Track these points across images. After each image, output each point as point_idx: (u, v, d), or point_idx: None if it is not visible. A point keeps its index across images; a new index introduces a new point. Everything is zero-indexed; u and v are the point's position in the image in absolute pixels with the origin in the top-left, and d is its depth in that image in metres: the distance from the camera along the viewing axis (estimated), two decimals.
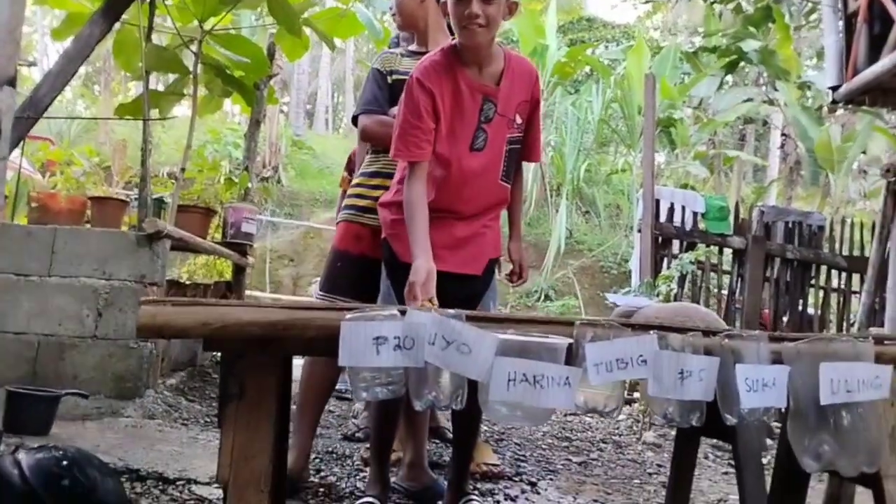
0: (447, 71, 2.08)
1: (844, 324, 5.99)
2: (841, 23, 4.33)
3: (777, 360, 0.97)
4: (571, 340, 0.90)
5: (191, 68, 4.49)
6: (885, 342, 1.02)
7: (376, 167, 2.54)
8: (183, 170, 4.34)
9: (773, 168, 18.10)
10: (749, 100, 15.50)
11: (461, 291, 2.17)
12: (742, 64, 14.95)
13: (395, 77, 2.48)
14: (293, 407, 2.59)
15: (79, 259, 3.61)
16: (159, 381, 3.90)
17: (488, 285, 2.38)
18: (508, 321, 0.95)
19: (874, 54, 4.04)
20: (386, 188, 2.31)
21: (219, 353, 3.11)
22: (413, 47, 2.59)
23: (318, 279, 2.67)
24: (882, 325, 2.74)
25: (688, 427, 1.04)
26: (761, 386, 0.92)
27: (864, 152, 15.68)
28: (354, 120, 2.56)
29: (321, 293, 2.51)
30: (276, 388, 1.13)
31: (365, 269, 2.40)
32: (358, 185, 2.59)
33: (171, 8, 4.54)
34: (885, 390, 0.95)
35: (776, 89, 16.11)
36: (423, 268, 1.92)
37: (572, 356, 0.91)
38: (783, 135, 17.92)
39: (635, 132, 13.19)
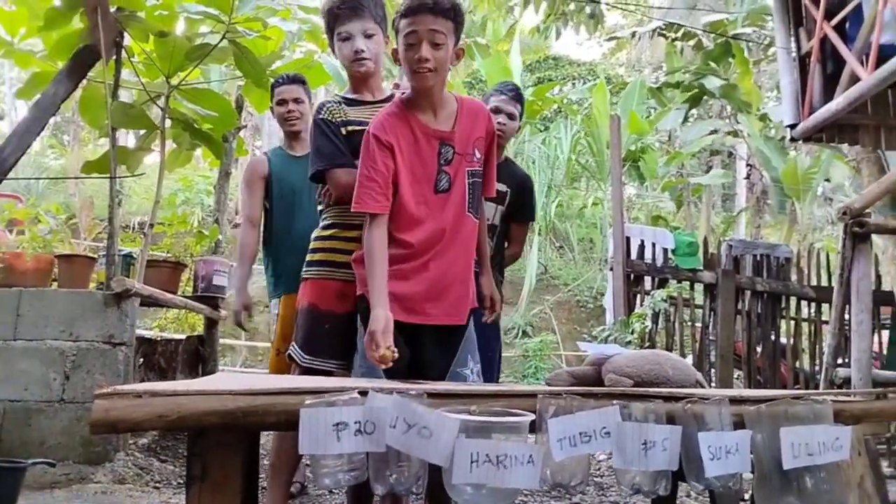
0: (402, 122, 2.15)
1: (817, 353, 6.05)
2: (795, 63, 4.46)
3: (739, 422, 0.98)
4: (533, 417, 0.89)
5: (158, 123, 4.50)
6: (845, 399, 1.03)
7: (331, 220, 2.45)
8: (151, 225, 4.31)
9: (740, 197, 18.42)
10: (714, 131, 15.84)
11: (447, 343, 2.21)
12: (705, 97, 15.30)
13: (350, 128, 2.37)
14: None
15: (45, 321, 3.55)
16: (130, 443, 3.82)
17: (462, 336, 2.36)
18: (470, 396, 0.94)
19: (828, 93, 4.16)
20: (341, 238, 2.36)
21: None
22: (351, 95, 2.47)
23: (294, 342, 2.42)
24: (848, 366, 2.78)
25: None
26: (724, 453, 0.93)
27: (827, 180, 16.04)
28: (316, 176, 2.38)
29: (307, 357, 2.34)
30: (242, 467, 1.11)
31: (351, 329, 2.30)
32: (323, 238, 2.46)
33: (137, 64, 4.55)
34: (846, 452, 0.96)
35: (738, 122, 16.51)
36: (382, 316, 1.97)
37: (536, 429, 0.91)
38: (748, 165, 18.30)
39: (604, 167, 13.37)
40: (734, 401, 1.00)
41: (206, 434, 1.08)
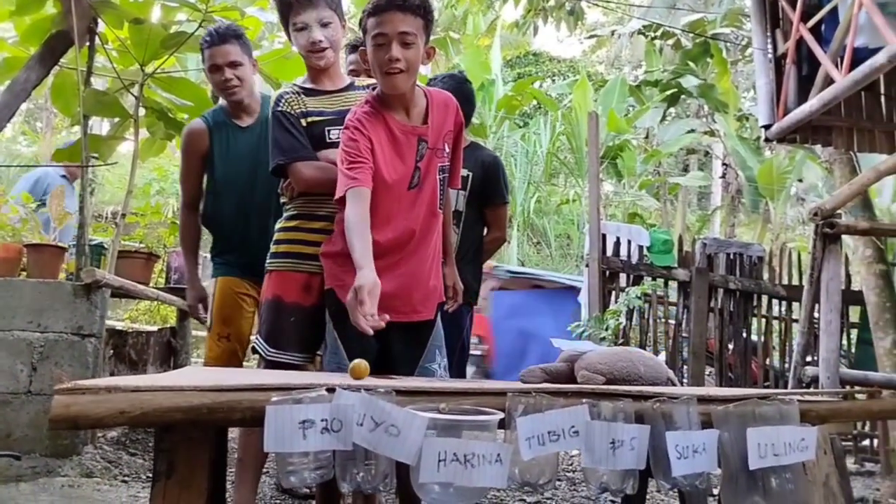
0: (379, 120, 2.12)
1: (787, 350, 6.14)
2: (771, 64, 4.49)
3: (707, 422, 0.99)
4: (503, 415, 0.89)
5: (132, 112, 4.43)
6: (811, 399, 1.04)
7: (295, 211, 2.39)
8: (123, 215, 4.25)
9: (716, 196, 18.61)
10: (691, 131, 15.98)
11: (416, 339, 2.21)
12: (683, 96, 15.42)
13: (310, 119, 2.30)
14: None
15: (12, 311, 3.49)
16: (99, 436, 3.77)
17: (431, 331, 2.34)
18: (440, 393, 0.94)
19: (803, 94, 4.20)
20: (306, 230, 2.32)
21: None
22: (309, 84, 2.37)
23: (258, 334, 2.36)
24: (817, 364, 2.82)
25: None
26: (692, 452, 0.93)
27: (800, 180, 16.25)
28: (277, 170, 2.31)
29: (272, 351, 2.28)
30: (208, 462, 1.09)
31: (316, 322, 2.28)
32: (287, 230, 2.37)
33: (111, 51, 4.48)
34: (811, 452, 0.97)
35: (715, 121, 16.67)
36: (370, 276, 1.86)
37: (505, 426, 0.91)
38: (724, 164, 18.50)
39: (583, 164, 13.42)
40: (702, 400, 1.00)
41: (172, 429, 1.06)
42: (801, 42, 4.22)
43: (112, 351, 4.06)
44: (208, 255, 3.33)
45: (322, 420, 0.84)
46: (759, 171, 15.40)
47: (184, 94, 4.51)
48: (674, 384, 2.14)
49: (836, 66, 3.85)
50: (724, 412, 0.98)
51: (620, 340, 4.72)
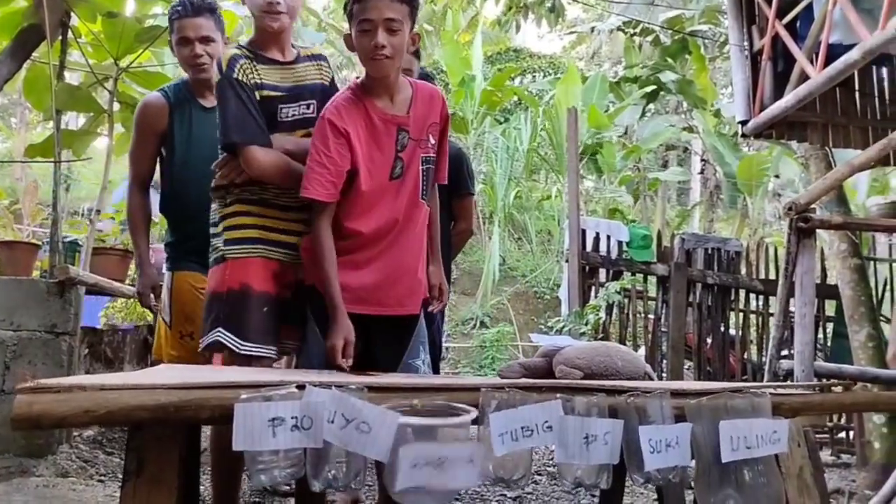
0: (358, 108, 2.10)
1: (764, 344, 6.20)
2: (748, 60, 4.53)
3: (680, 416, 0.99)
4: (475, 413, 0.88)
5: (106, 107, 4.37)
6: (784, 392, 1.05)
7: (250, 196, 2.23)
8: (98, 211, 4.20)
9: (694, 192, 18.76)
10: (671, 126, 16.07)
11: (399, 334, 2.19)
12: (662, 93, 15.50)
13: (264, 93, 2.15)
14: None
15: None
16: (74, 434, 3.72)
17: (415, 327, 2.31)
18: (413, 390, 0.93)
19: (779, 90, 4.24)
20: (271, 217, 2.23)
21: None
22: (259, 50, 2.21)
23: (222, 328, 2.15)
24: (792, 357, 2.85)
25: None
26: (664, 446, 0.93)
27: (777, 176, 16.42)
28: (229, 148, 2.15)
29: (245, 345, 2.11)
30: (179, 461, 1.07)
31: (282, 313, 2.20)
32: (245, 213, 2.21)
33: (84, 45, 4.41)
34: (783, 445, 0.97)
35: (693, 118, 16.78)
36: (346, 325, 2.01)
37: (478, 422, 0.90)
38: (703, 160, 18.64)
39: (563, 160, 13.41)
40: (675, 394, 1.00)
41: (141, 428, 1.05)
42: (776, 38, 4.26)
43: (87, 349, 4.01)
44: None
45: (292, 417, 0.83)
46: (737, 166, 15.54)
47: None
48: (651, 379, 2.15)
49: (811, 62, 3.89)
50: (697, 406, 0.98)
51: (600, 335, 4.74)
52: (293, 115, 2.21)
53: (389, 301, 2.16)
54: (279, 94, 2.18)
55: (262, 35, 2.21)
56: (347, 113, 2.08)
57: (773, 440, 0.97)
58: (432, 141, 2.21)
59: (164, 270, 2.87)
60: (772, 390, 1.06)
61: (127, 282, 4.47)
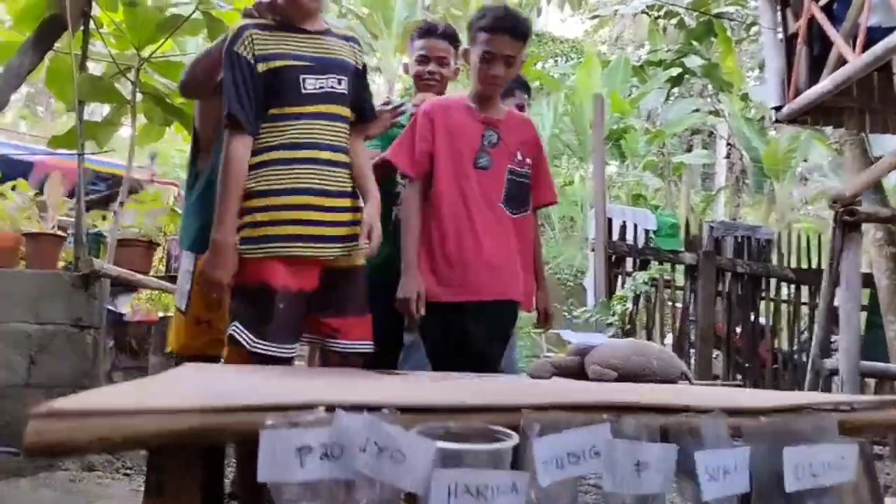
0: (453, 104, 2.35)
1: (795, 333, 6.08)
2: (782, 44, 4.39)
3: (735, 435, 0.92)
4: (517, 440, 0.81)
5: (128, 97, 4.34)
6: (846, 408, 0.97)
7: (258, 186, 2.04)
8: (122, 203, 4.18)
9: (720, 176, 18.48)
10: (696, 111, 15.81)
11: (500, 322, 2.27)
12: (687, 76, 15.25)
13: (279, 63, 2.02)
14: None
15: (9, 302, 3.43)
16: None
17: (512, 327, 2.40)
18: (449, 411, 0.87)
19: (814, 75, 4.10)
20: (291, 206, 2.05)
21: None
22: (288, 21, 2.10)
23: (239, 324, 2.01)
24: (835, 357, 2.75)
25: None
26: (723, 473, 0.86)
27: (805, 160, 16.11)
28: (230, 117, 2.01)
29: (259, 343, 1.98)
30: (201, 482, 1.02)
31: (302, 309, 2.08)
32: (265, 209, 2.03)
33: (106, 36, 4.38)
34: (851, 472, 0.90)
35: (719, 101, 16.50)
36: (419, 281, 2.18)
37: (519, 449, 0.84)
38: (728, 144, 18.34)
39: (586, 145, 13.29)
40: (731, 412, 0.93)
41: (160, 449, 0.99)
42: (812, 21, 4.12)
43: (113, 341, 4.01)
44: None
45: (321, 444, 0.77)
46: (764, 151, 15.27)
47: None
48: (688, 379, 2.08)
49: (850, 45, 3.75)
50: (757, 427, 0.91)
51: (627, 326, 4.65)
52: (320, 88, 2.07)
53: (492, 288, 2.24)
54: (302, 63, 2.04)
55: (292, 6, 2.08)
56: (440, 105, 2.33)
57: (840, 467, 0.89)
58: (520, 157, 2.34)
59: (183, 249, 2.61)
60: (833, 405, 0.98)
61: (151, 273, 4.46)
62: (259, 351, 1.97)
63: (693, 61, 14.40)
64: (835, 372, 2.41)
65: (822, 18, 3.99)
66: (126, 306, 4.25)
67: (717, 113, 16.60)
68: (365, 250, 2.08)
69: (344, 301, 2.12)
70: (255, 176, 2.02)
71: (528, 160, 2.35)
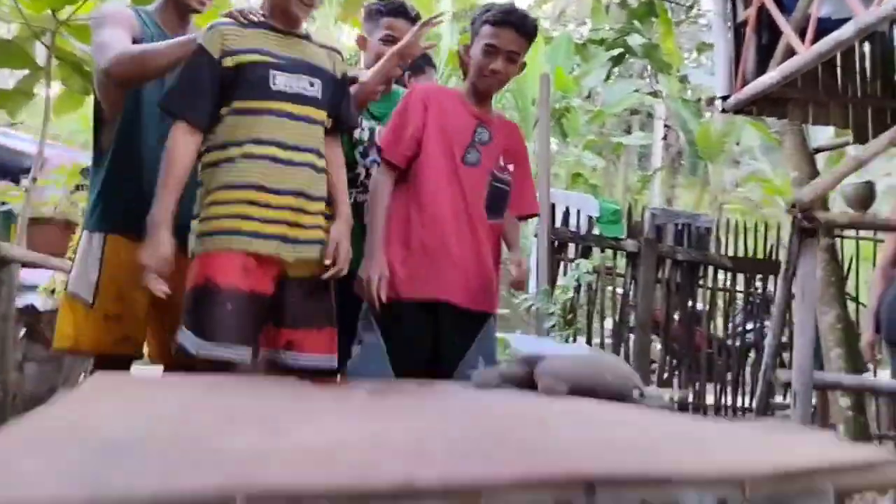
0: (448, 93, 2.34)
1: (730, 319, 6.17)
2: (730, 32, 4.33)
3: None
4: None
5: (43, 63, 4.00)
6: (844, 468, 0.88)
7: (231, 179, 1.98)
8: (34, 179, 3.85)
9: (656, 157, 18.77)
10: (635, 91, 15.95)
11: (465, 332, 2.18)
12: (627, 56, 15.34)
13: (247, 58, 1.98)
14: None
15: None
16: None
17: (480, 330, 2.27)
18: (399, 497, 0.72)
19: (762, 64, 4.06)
20: (244, 201, 1.97)
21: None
22: (264, 20, 2.08)
23: (184, 327, 1.90)
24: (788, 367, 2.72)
25: None
26: None
27: (737, 143, 16.49)
28: (164, 107, 2.01)
29: (206, 344, 1.87)
30: None
31: (256, 311, 1.96)
32: (222, 202, 1.96)
33: None
34: None
35: (658, 82, 16.67)
36: (384, 262, 2.10)
37: None
38: (666, 126, 18.61)
39: (529, 122, 13.21)
40: (717, 482, 0.82)
41: None
42: (762, 10, 4.07)
43: (24, 329, 3.72)
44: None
45: None
46: (697, 133, 15.56)
47: None
48: (642, 394, 1.99)
49: (799, 36, 3.71)
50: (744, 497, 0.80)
51: (569, 315, 4.60)
52: (290, 87, 2.02)
53: (468, 294, 2.18)
54: (272, 59, 2.00)
55: (274, 9, 2.07)
56: (434, 91, 2.32)
57: None
58: (502, 163, 2.29)
59: (88, 232, 2.30)
60: (830, 467, 0.88)
61: (68, 254, 4.15)
62: (204, 355, 1.85)
63: (634, 41, 14.48)
64: (788, 384, 2.37)
65: (772, 7, 3.94)
66: (39, 292, 3.94)
67: (655, 94, 16.79)
68: (331, 271, 2.01)
69: (303, 312, 2.00)
70: (213, 171, 1.98)
71: (510, 167, 2.30)
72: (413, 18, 2.61)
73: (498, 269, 2.33)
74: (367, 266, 2.11)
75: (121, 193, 2.26)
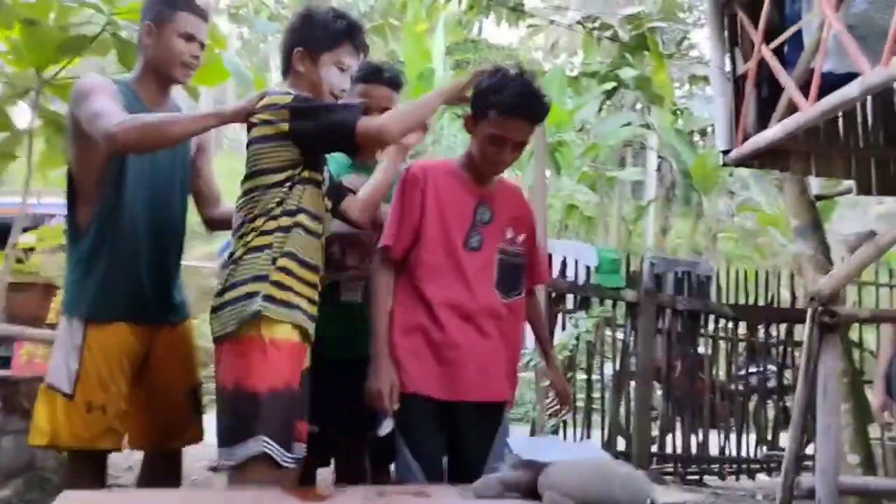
0: (446, 171, 2.16)
1: (732, 366, 6.05)
2: (729, 84, 4.25)
3: None
4: None
5: (26, 122, 3.90)
6: None
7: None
8: (14, 245, 3.72)
9: (650, 188, 18.76)
10: (628, 124, 15.98)
11: (485, 426, 2.07)
12: (619, 89, 15.38)
13: None
14: None
15: None
16: None
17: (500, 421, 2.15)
18: None
19: (763, 118, 3.97)
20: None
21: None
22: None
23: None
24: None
25: None
26: None
27: (731, 174, 16.52)
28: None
29: (288, 456, 1.84)
30: None
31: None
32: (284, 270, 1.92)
33: (2, 54, 3.92)
34: None
35: (650, 113, 16.71)
36: (391, 372, 1.99)
37: None
38: (659, 157, 18.63)
39: (524, 156, 13.20)
40: None
41: None
42: (762, 63, 3.99)
43: (1, 402, 3.56)
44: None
45: None
46: (692, 164, 15.58)
47: None
48: None
49: (802, 91, 3.62)
50: None
51: (569, 375, 4.46)
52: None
53: (479, 387, 2.07)
54: None
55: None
56: (433, 169, 2.15)
57: None
58: (511, 234, 2.17)
59: (67, 317, 2.17)
60: None
61: (50, 319, 4.01)
62: (288, 464, 1.83)
63: (627, 74, 14.51)
64: (812, 492, 2.22)
65: (773, 61, 3.85)
66: (17, 359, 3.79)
67: (647, 126, 16.81)
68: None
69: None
70: (285, 237, 1.95)
71: (521, 237, 2.17)
72: (388, 81, 2.47)
73: (517, 351, 2.24)
74: (374, 376, 2.00)
75: (106, 275, 2.13)
